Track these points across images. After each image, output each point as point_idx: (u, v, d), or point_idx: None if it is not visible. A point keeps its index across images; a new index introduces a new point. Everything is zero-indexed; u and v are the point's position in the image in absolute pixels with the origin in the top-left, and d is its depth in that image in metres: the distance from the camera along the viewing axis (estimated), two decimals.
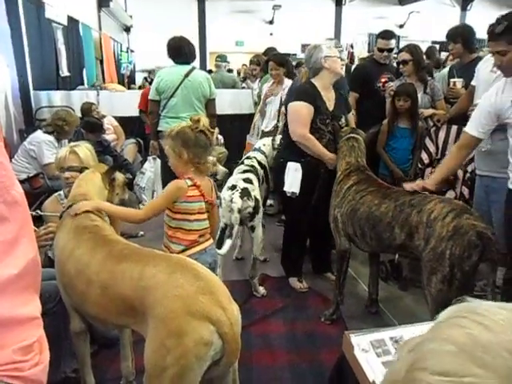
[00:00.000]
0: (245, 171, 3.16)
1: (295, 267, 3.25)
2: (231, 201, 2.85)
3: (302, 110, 2.93)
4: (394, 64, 4.04)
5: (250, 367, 2.33)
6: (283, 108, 4.01)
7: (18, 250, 0.85)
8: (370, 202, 2.52)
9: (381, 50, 3.86)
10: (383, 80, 3.59)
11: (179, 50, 3.87)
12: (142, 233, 4.03)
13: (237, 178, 3.05)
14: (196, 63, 5.30)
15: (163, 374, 1.42)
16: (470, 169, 3.15)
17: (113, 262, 1.60)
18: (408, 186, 2.49)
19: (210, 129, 2.16)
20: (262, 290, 3.11)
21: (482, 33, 4.60)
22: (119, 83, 9.14)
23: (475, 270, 2.20)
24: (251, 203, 2.90)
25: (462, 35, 3.59)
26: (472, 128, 2.37)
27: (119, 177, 2.05)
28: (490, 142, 2.71)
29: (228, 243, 2.77)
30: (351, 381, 1.23)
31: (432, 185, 2.47)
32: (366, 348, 1.20)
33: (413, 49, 3.54)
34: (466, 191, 3.16)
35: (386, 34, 3.86)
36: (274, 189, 3.12)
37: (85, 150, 2.31)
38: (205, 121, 2.14)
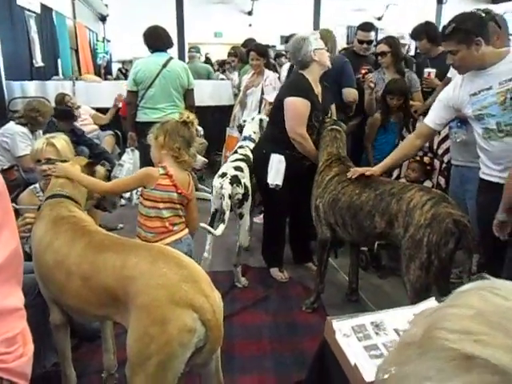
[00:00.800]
0: (237, 160, 3.18)
1: (276, 257, 3.27)
2: (221, 187, 2.88)
3: (300, 107, 2.90)
4: (373, 56, 4.07)
5: (232, 356, 2.34)
6: (267, 97, 4.01)
7: (0, 241, 0.84)
8: (352, 192, 2.55)
9: (360, 42, 3.88)
10: (363, 71, 3.62)
11: (155, 38, 3.83)
12: (121, 225, 3.99)
13: (228, 166, 3.08)
14: (174, 54, 5.24)
15: (147, 363, 1.42)
16: (446, 159, 3.22)
17: (94, 252, 1.58)
18: (352, 172, 2.59)
19: (194, 123, 2.18)
20: (243, 280, 3.13)
21: None
22: (96, 74, 8.96)
23: (452, 256, 2.27)
24: (240, 190, 2.93)
25: (425, 32, 3.73)
26: (430, 120, 2.45)
27: (100, 170, 2.02)
28: (465, 133, 2.78)
29: (221, 227, 2.79)
30: (332, 366, 1.25)
31: (380, 172, 2.59)
32: (348, 333, 1.23)
33: (391, 40, 3.59)
34: (442, 181, 3.23)
35: (366, 26, 3.89)
36: (256, 180, 3.11)
37: (62, 141, 2.26)
38: (191, 116, 2.17)
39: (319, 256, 2.80)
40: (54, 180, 1.92)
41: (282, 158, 2.95)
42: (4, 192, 0.87)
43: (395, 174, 3.44)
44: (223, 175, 2.97)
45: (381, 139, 3.51)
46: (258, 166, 3.08)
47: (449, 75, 3.34)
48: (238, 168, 3.05)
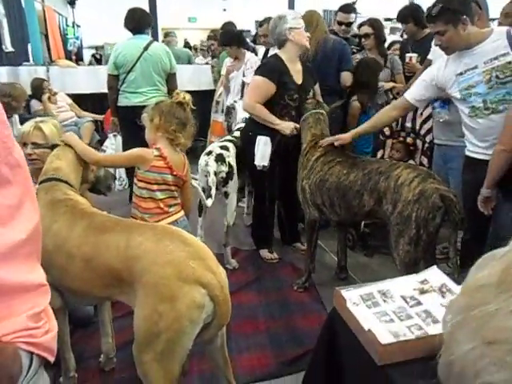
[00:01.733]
0: (225, 140, 3.26)
1: (265, 239, 3.30)
2: (206, 165, 2.95)
3: (260, 85, 2.96)
4: (356, 39, 4.11)
5: (228, 336, 2.36)
6: (246, 80, 4.01)
7: (23, 215, 0.83)
8: (339, 172, 2.59)
9: (340, 23, 3.90)
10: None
11: (136, 20, 3.76)
12: (109, 211, 3.93)
13: (214, 146, 3.15)
14: None
15: (155, 341, 1.43)
16: (428, 139, 3.31)
17: (95, 234, 1.57)
18: (323, 141, 2.70)
19: (189, 104, 2.15)
20: (234, 262, 3.15)
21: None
22: (66, 60, 8.69)
23: (438, 230, 2.35)
24: (225, 168, 2.98)
25: (411, 15, 3.76)
26: (410, 95, 2.51)
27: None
28: (448, 113, 2.85)
29: (210, 200, 2.87)
30: (342, 335, 1.29)
31: (349, 137, 2.71)
32: (357, 302, 1.27)
33: (374, 23, 3.62)
34: (425, 160, 3.31)
35: (346, 8, 3.91)
36: (244, 162, 3.12)
37: (50, 126, 2.21)
38: (187, 96, 2.15)
39: (308, 236, 2.85)
40: (48, 164, 1.88)
41: (268, 139, 2.96)
42: (24, 165, 0.85)
43: (379, 154, 3.52)
44: (209, 153, 3.04)
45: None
46: (246, 149, 3.09)
47: (429, 57, 3.41)
48: (223, 147, 3.10)
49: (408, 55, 3.68)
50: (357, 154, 3.10)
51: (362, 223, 3.53)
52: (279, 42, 3.02)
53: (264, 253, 3.28)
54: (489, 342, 0.44)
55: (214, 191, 2.89)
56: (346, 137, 2.70)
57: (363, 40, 3.62)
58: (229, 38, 4.25)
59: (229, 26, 5.23)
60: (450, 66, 2.36)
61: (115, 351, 2.15)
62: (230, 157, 3.06)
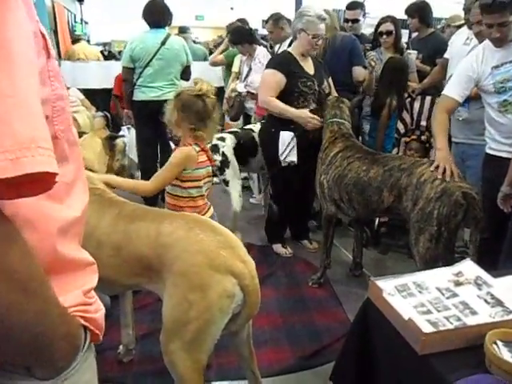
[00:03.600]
0: (228, 131, 3.49)
1: (279, 234, 3.30)
2: None
3: (270, 77, 2.99)
4: (368, 36, 4.10)
5: None
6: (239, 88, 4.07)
7: (76, 193, 0.82)
8: (358, 168, 2.57)
9: (346, 21, 3.92)
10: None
11: (153, 12, 3.72)
12: None
13: (214, 137, 3.35)
14: None
15: (184, 329, 1.42)
16: None
17: (125, 222, 1.56)
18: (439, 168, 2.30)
19: (209, 94, 2.04)
20: None
21: (438, 11, 4.76)
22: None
23: (458, 228, 2.34)
24: (218, 157, 3.15)
25: (418, 11, 3.82)
26: (454, 92, 2.44)
27: (119, 142, 1.98)
28: (468, 111, 2.84)
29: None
30: (377, 326, 1.28)
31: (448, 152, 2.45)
32: (392, 292, 1.26)
33: (395, 20, 3.61)
34: None
35: (351, 5, 3.94)
36: (265, 160, 3.13)
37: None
38: (206, 86, 2.04)
39: (325, 231, 2.84)
40: None
41: (292, 134, 2.96)
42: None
43: (394, 152, 3.50)
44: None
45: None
46: (266, 146, 3.08)
47: (446, 56, 3.41)
48: (220, 138, 3.28)
49: (407, 52, 3.69)
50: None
51: (376, 222, 3.53)
52: (294, 36, 3.10)
53: (278, 247, 3.27)
54: None
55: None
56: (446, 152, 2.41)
57: (385, 37, 3.58)
58: (239, 37, 4.25)
59: (240, 23, 5.23)
60: (487, 59, 2.33)
61: (135, 343, 2.15)
62: (225, 147, 3.23)
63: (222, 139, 3.28)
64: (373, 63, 3.41)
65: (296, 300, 2.73)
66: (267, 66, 3.08)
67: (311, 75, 3.02)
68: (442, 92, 2.55)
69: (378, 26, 3.66)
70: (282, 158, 2.97)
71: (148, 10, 3.72)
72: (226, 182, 3.20)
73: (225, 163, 3.18)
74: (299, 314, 2.59)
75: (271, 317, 2.54)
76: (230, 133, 3.43)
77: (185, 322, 1.41)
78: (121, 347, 2.14)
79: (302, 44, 2.98)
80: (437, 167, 2.27)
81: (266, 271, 3.04)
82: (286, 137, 2.95)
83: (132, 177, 2.16)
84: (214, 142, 3.19)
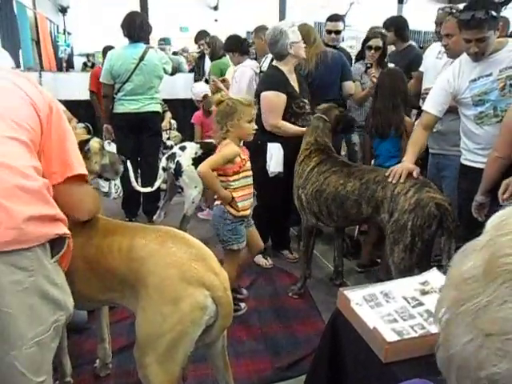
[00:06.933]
0: (200, 142, 3.84)
1: None
2: (161, 160, 3.66)
3: (274, 100, 2.98)
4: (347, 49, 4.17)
5: None
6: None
7: None
8: (336, 183, 2.59)
9: (329, 32, 3.96)
10: (367, 65, 3.68)
11: (131, 27, 3.72)
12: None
13: (177, 146, 3.73)
14: None
15: (158, 342, 1.42)
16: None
17: (98, 237, 1.56)
18: (394, 174, 2.38)
19: (223, 97, 2.42)
20: None
21: (416, 25, 4.84)
22: (57, 67, 8.67)
23: (434, 238, 2.38)
24: (172, 165, 3.50)
25: (394, 24, 3.90)
26: (433, 108, 2.48)
27: (94, 144, 1.91)
28: (441, 123, 2.91)
29: (148, 188, 3.53)
30: (346, 336, 1.30)
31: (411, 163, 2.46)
32: (360, 302, 1.29)
33: (384, 36, 3.69)
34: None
35: (333, 16, 3.99)
36: (252, 171, 3.15)
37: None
38: (223, 93, 2.40)
39: (305, 242, 2.87)
40: None
41: (279, 145, 2.99)
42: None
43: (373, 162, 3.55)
44: (169, 151, 3.74)
45: None
46: (254, 156, 3.11)
47: (421, 69, 3.48)
48: (181, 147, 3.61)
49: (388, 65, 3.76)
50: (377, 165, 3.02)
51: (356, 232, 3.57)
52: (280, 56, 3.07)
53: (258, 259, 3.28)
54: (486, 333, 0.44)
55: (158, 183, 3.54)
56: (412, 167, 2.40)
57: (373, 52, 3.64)
58: (232, 44, 4.25)
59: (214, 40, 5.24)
60: (464, 73, 2.38)
61: (111, 357, 2.13)
62: (182, 156, 3.50)
63: (182, 148, 3.58)
64: (374, 79, 3.34)
65: (276, 310, 2.74)
66: (267, 87, 3.02)
67: (300, 94, 3.07)
68: (422, 107, 2.61)
69: (366, 39, 3.71)
70: (270, 169, 2.99)
71: (127, 25, 3.72)
72: (181, 188, 3.55)
73: (178, 172, 3.47)
74: (279, 324, 2.60)
75: (251, 328, 2.55)
76: (200, 143, 3.72)
77: (158, 335, 1.42)
78: (97, 361, 2.13)
79: (299, 54, 3.03)
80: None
81: (247, 282, 3.05)
82: (273, 148, 2.98)
83: (117, 172, 2.12)
84: (174, 149, 3.59)
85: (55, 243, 1.21)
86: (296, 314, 2.69)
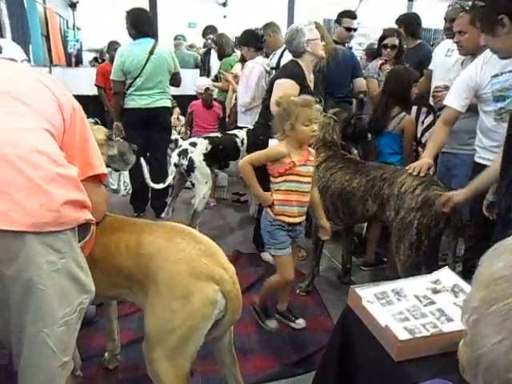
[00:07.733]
0: (204, 136, 3.73)
1: None
2: (172, 157, 3.58)
3: (287, 86, 2.93)
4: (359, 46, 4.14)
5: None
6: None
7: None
8: (341, 179, 2.59)
9: (348, 30, 3.92)
10: (380, 62, 3.66)
11: (143, 22, 3.75)
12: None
13: (186, 142, 3.69)
14: None
15: (167, 338, 1.43)
16: None
17: (104, 235, 1.55)
18: (413, 167, 2.42)
19: (282, 101, 2.27)
20: None
21: (426, 22, 4.82)
22: (67, 62, 8.70)
23: (441, 236, 2.37)
24: (185, 162, 3.46)
25: (404, 21, 3.85)
26: (458, 103, 2.44)
27: (97, 136, 1.86)
28: None
29: (161, 185, 3.48)
30: (356, 333, 1.30)
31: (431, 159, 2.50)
32: (371, 300, 1.28)
33: (400, 34, 3.65)
34: None
35: (351, 14, 3.95)
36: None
37: None
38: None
39: (314, 240, 2.86)
40: None
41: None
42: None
43: None
44: (179, 147, 3.63)
45: None
46: (254, 151, 3.09)
47: (430, 67, 3.45)
48: (192, 143, 3.57)
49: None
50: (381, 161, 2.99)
51: (364, 229, 3.56)
52: (297, 53, 3.06)
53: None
54: None
55: (169, 179, 3.50)
56: (430, 162, 2.44)
57: (389, 50, 3.60)
58: (247, 38, 4.24)
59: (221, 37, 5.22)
60: (486, 69, 2.35)
61: (120, 348, 2.14)
62: (194, 152, 3.48)
63: (193, 144, 3.54)
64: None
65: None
66: (284, 75, 3.00)
67: (313, 92, 3.02)
68: (444, 102, 2.56)
69: (382, 38, 3.68)
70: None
71: (134, 20, 3.73)
72: (193, 184, 3.54)
73: (191, 168, 3.47)
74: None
75: (257, 324, 2.55)
76: (208, 138, 3.66)
77: (169, 331, 1.42)
78: (106, 354, 2.14)
79: (314, 53, 3.01)
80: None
81: (254, 278, 3.05)
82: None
83: (127, 163, 2.11)
84: (185, 146, 3.54)
85: (80, 229, 1.24)
86: (303, 312, 2.68)
